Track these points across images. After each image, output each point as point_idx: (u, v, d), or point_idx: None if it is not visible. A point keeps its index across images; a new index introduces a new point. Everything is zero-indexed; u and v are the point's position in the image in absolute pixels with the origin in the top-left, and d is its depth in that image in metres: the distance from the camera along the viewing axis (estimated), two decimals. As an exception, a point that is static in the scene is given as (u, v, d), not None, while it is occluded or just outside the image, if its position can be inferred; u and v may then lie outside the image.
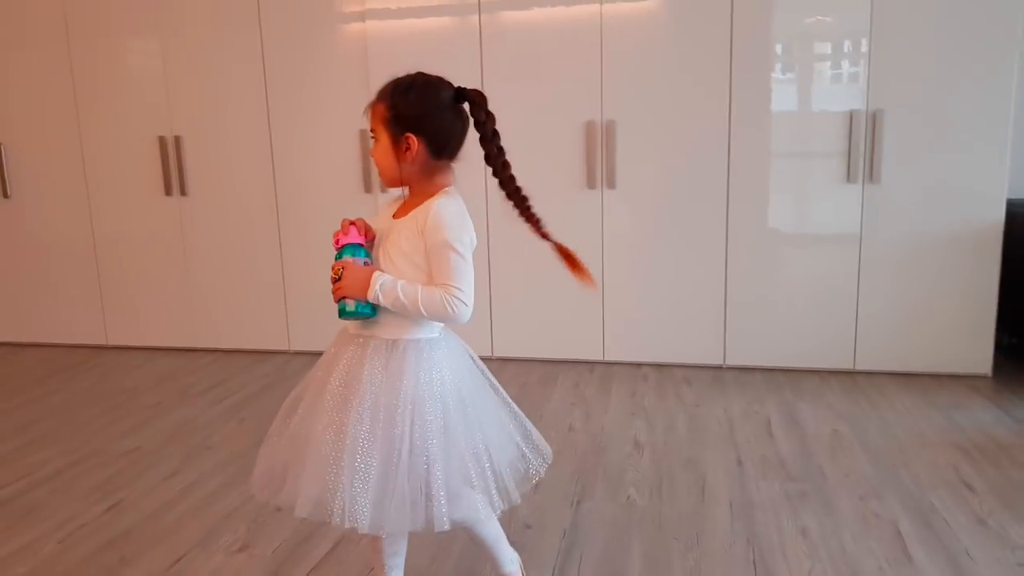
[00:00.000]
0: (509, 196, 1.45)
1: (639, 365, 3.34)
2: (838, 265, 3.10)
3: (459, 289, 1.37)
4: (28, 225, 3.77)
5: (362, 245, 1.44)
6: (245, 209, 3.54)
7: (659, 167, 3.16)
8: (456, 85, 1.44)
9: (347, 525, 1.34)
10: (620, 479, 2.30)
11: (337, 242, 1.44)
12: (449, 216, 1.39)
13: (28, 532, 2.07)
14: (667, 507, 2.12)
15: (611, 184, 3.19)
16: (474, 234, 1.44)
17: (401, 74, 1.44)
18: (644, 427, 2.69)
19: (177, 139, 3.52)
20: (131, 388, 3.24)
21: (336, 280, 1.40)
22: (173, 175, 3.55)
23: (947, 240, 3.00)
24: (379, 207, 1.60)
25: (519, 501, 1.50)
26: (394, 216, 1.48)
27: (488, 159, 1.43)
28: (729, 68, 3.02)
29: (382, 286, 1.38)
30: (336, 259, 1.43)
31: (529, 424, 1.57)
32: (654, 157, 3.15)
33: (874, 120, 2.96)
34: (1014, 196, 3.11)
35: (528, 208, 1.45)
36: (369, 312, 1.40)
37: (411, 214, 1.43)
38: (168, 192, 3.58)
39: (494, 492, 1.43)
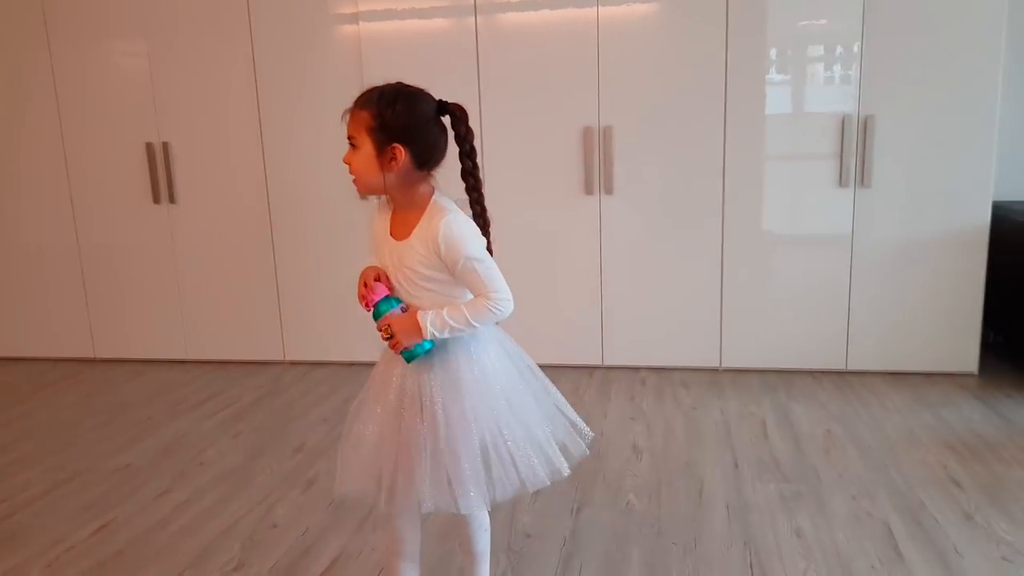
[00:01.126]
0: (476, 216, 1.49)
1: (637, 369, 3.35)
2: (830, 267, 3.13)
3: (497, 292, 1.43)
4: (10, 236, 3.72)
5: (391, 295, 1.49)
6: (237, 216, 3.51)
7: (656, 172, 3.17)
8: (437, 98, 1.45)
9: (464, 511, 1.47)
10: (619, 485, 2.30)
11: (368, 303, 1.49)
12: (459, 232, 1.42)
13: (11, 558, 2.02)
14: (666, 512, 2.13)
15: (609, 190, 3.20)
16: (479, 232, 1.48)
17: (382, 82, 1.43)
18: (643, 431, 2.70)
19: (165, 145, 3.49)
20: (121, 403, 3.20)
21: (389, 338, 1.45)
22: (162, 182, 3.52)
23: (935, 242, 3.03)
24: (372, 213, 1.57)
25: (568, 473, 1.54)
26: (393, 234, 1.49)
27: (464, 174, 1.47)
28: (725, 71, 3.04)
29: (432, 323, 1.43)
30: (375, 319, 1.48)
31: (565, 403, 1.64)
32: (651, 162, 3.16)
33: (865, 125, 2.98)
34: (999, 198, 3.15)
35: (487, 234, 1.50)
36: (431, 346, 1.47)
37: (415, 235, 1.44)
38: (156, 200, 3.54)
39: (552, 458, 1.51)
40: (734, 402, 2.94)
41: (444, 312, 1.42)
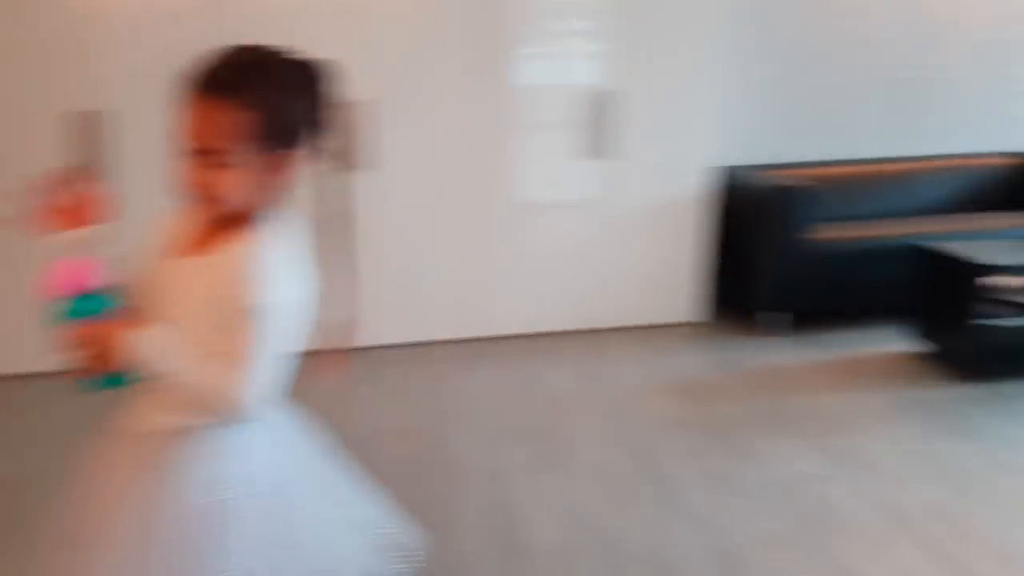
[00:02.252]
0: None
1: (403, 346, 3.35)
2: (578, 233, 3.39)
3: (246, 375, 1.00)
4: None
5: (94, 292, 1.00)
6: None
7: (419, 147, 3.17)
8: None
9: None
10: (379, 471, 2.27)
11: (63, 287, 0.99)
12: (267, 268, 1.01)
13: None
14: (418, 493, 2.15)
15: (374, 166, 3.10)
16: (300, 283, 1.06)
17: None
18: (405, 412, 2.73)
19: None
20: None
21: (83, 351, 0.99)
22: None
23: (668, 206, 3.39)
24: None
25: None
26: (193, 243, 1.07)
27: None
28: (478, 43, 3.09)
29: (148, 348, 0.98)
30: (69, 315, 0.99)
31: (385, 511, 1.30)
32: (411, 136, 3.15)
33: (607, 100, 3.19)
34: (728, 164, 3.55)
35: None
36: (130, 380, 1.02)
37: (222, 252, 1.03)
38: None
39: None
40: (492, 370, 3.08)
41: (170, 346, 1.00)
